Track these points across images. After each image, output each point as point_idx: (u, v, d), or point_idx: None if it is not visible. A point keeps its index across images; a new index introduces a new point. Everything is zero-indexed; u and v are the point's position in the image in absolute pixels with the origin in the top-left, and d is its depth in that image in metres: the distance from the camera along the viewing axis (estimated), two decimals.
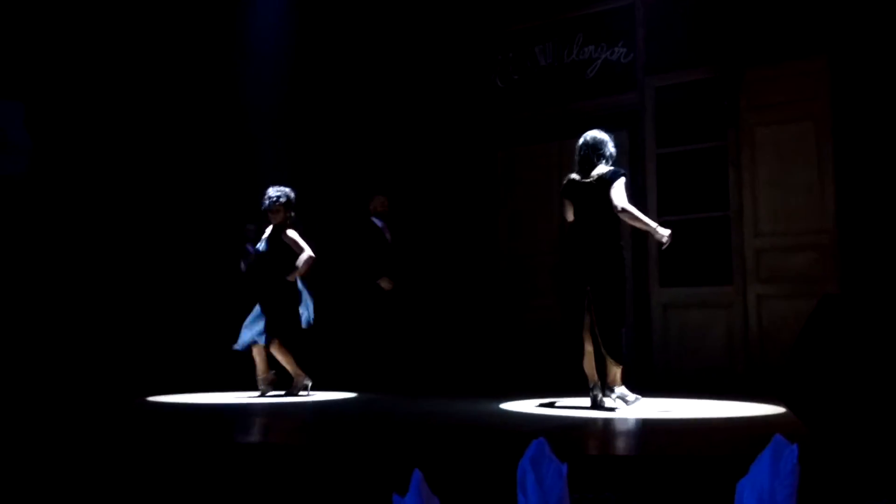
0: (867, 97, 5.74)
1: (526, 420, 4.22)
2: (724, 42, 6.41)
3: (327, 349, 6.95)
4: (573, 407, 4.72)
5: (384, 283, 6.89)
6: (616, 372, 4.51)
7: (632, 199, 4.58)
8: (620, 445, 3.53)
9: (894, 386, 2.87)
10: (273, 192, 5.92)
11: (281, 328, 5.80)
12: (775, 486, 0.92)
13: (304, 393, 5.81)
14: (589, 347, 4.63)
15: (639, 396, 4.53)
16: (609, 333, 4.51)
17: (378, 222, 7.03)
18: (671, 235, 4.46)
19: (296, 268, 5.80)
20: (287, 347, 5.82)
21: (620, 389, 4.51)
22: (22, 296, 7.06)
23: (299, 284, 5.90)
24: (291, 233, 5.87)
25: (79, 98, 7.61)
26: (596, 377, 4.64)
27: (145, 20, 7.86)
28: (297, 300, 5.89)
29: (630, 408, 4.43)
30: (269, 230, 5.97)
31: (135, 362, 7.21)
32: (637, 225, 4.55)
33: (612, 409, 4.44)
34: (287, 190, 5.96)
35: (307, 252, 5.83)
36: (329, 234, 6.94)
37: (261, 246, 6.00)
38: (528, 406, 4.83)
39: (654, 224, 4.52)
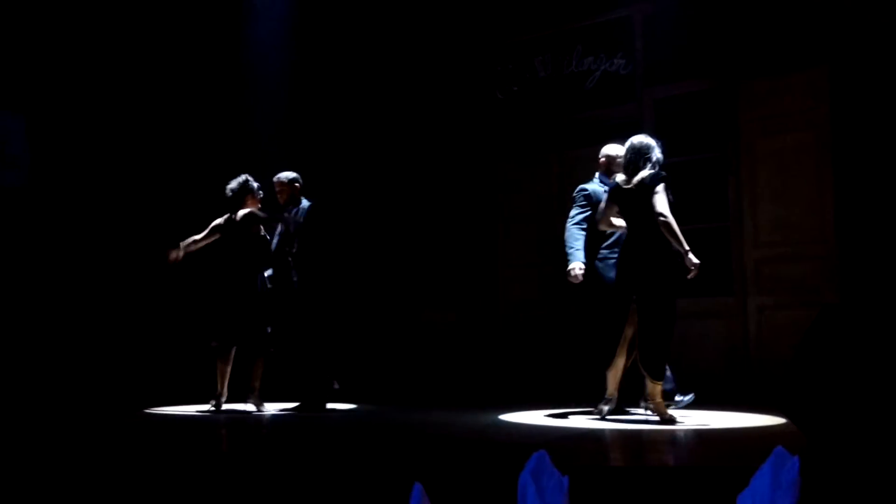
0: (866, 108, 5.75)
1: (526, 432, 4.21)
2: (723, 53, 6.43)
3: (325, 360, 6.92)
4: (580, 413, 4.71)
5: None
6: (654, 387, 4.36)
7: None
8: (621, 457, 3.52)
9: (894, 397, 2.86)
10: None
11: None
12: (776, 498, 0.92)
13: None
14: (620, 361, 4.49)
15: (674, 415, 4.40)
16: (652, 348, 4.33)
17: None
18: (699, 267, 4.33)
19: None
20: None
21: (658, 406, 4.37)
22: (21, 306, 7.05)
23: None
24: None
25: (80, 108, 7.62)
26: (615, 392, 4.53)
27: (147, 27, 7.88)
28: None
29: (665, 424, 4.30)
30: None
31: (134, 372, 7.19)
32: (672, 240, 4.33)
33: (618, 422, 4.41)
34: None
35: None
36: (328, 240, 6.91)
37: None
38: (528, 417, 4.82)
39: (687, 246, 4.33)
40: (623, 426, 4.36)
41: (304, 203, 5.99)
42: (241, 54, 7.99)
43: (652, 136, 4.84)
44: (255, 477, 2.93)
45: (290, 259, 5.82)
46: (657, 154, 4.54)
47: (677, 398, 4.79)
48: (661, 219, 4.32)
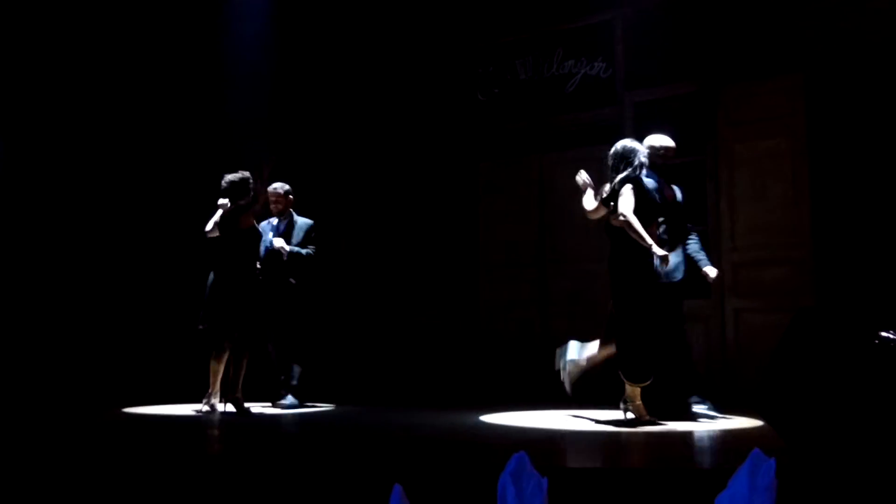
0: (841, 114, 5.83)
1: (506, 433, 4.22)
2: (703, 58, 6.49)
3: (307, 359, 6.90)
4: (586, 418, 4.72)
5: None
6: (632, 390, 4.40)
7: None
8: (600, 459, 3.53)
9: (870, 399, 2.90)
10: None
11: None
12: (754, 499, 0.93)
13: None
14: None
15: (653, 419, 4.41)
16: (623, 350, 4.40)
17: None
18: (666, 259, 4.37)
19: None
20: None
21: (637, 409, 4.41)
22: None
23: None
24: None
25: (54, 101, 7.54)
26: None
27: (125, 23, 7.81)
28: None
29: (635, 426, 4.35)
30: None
31: (111, 372, 7.12)
32: (633, 236, 4.38)
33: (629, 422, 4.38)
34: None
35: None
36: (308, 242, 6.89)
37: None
38: (508, 419, 4.83)
39: (650, 240, 4.38)
40: (603, 428, 4.38)
41: (295, 216, 6.13)
42: (222, 54, 7.95)
43: (632, 139, 4.87)
44: (234, 478, 2.91)
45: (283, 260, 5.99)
46: (641, 158, 4.57)
47: (699, 408, 4.79)
48: (621, 218, 4.41)
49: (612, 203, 4.53)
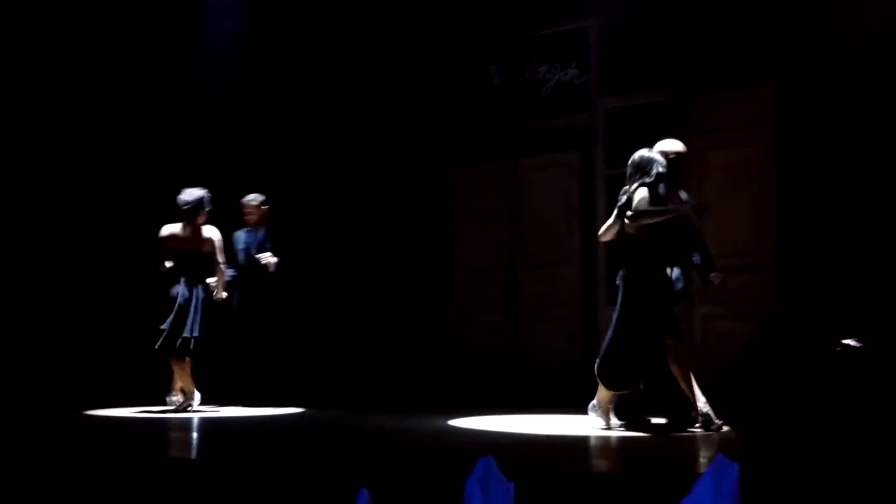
0: (809, 125, 5.93)
1: (474, 437, 4.22)
2: (676, 67, 6.56)
3: (274, 363, 6.85)
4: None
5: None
6: (604, 394, 4.43)
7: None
8: (567, 463, 3.55)
9: (832, 405, 2.94)
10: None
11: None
12: None
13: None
14: (674, 370, 4.47)
15: (613, 424, 4.43)
16: (609, 355, 4.41)
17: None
18: (699, 208, 4.44)
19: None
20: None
21: (601, 412, 4.43)
22: None
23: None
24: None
25: (27, 103, 7.42)
26: (692, 399, 4.45)
27: (99, 19, 7.71)
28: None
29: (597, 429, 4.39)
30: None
31: (72, 374, 7.00)
32: (654, 219, 4.34)
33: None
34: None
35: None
36: (279, 245, 6.85)
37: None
38: (477, 423, 4.83)
39: (673, 207, 4.39)
40: (570, 432, 4.40)
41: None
42: (197, 55, 7.87)
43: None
44: (201, 481, 2.88)
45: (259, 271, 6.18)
46: (659, 168, 4.49)
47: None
48: (630, 215, 4.37)
49: (627, 212, 4.46)
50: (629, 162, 4.61)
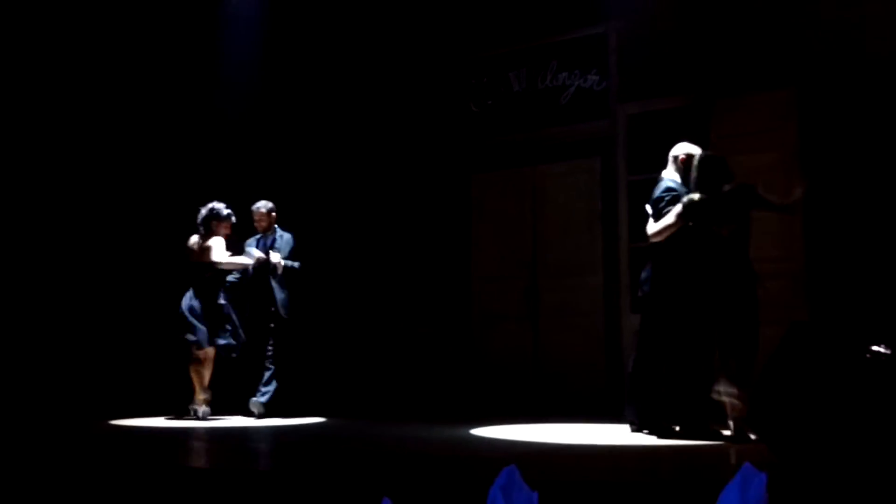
0: (833, 128, 5.86)
1: (496, 446, 4.20)
2: (696, 71, 6.51)
3: (297, 372, 6.87)
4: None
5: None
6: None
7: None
8: (592, 472, 3.51)
9: (862, 414, 2.89)
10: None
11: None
12: None
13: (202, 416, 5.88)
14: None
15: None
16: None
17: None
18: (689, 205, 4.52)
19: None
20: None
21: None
22: None
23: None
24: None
25: (43, 104, 7.51)
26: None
27: (117, 24, 7.80)
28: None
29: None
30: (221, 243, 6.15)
31: (94, 384, 7.06)
32: (664, 234, 4.56)
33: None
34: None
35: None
36: (301, 252, 6.88)
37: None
38: (499, 432, 4.81)
39: (677, 209, 4.53)
40: (595, 441, 4.36)
41: (279, 232, 6.25)
42: (214, 63, 7.94)
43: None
44: (224, 491, 2.88)
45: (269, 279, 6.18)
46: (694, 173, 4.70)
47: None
48: (651, 238, 4.60)
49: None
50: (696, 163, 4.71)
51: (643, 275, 4.82)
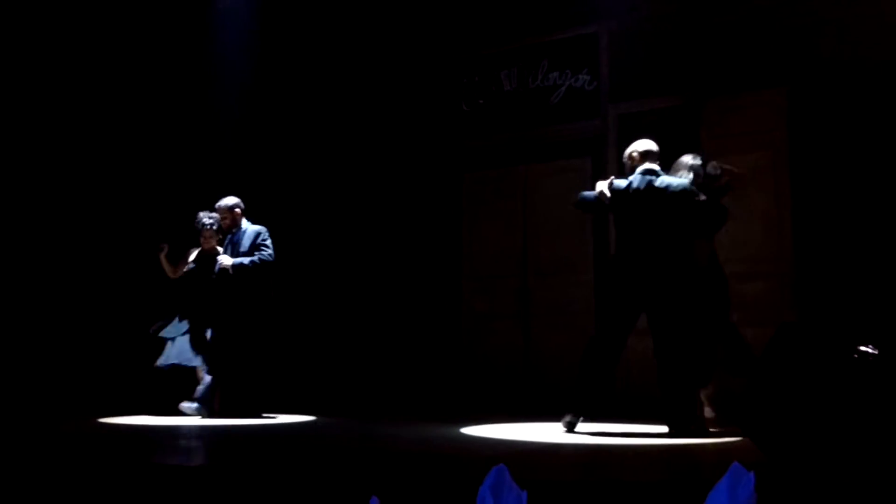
0: (823, 129, 5.89)
1: (486, 445, 4.20)
2: (686, 71, 6.54)
3: (284, 370, 6.86)
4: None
5: None
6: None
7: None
8: (581, 471, 3.52)
9: (850, 413, 2.91)
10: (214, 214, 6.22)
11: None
12: None
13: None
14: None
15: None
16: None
17: None
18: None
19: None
20: None
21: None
22: None
23: None
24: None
25: (37, 110, 7.48)
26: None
27: (109, 24, 7.77)
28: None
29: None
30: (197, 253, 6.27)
31: (86, 381, 7.04)
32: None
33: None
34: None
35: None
36: (289, 253, 6.87)
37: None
38: (489, 431, 4.81)
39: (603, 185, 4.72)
40: (584, 440, 4.37)
41: (245, 226, 6.13)
42: (205, 60, 7.92)
43: (616, 151, 4.93)
44: (213, 490, 2.87)
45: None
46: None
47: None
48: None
49: None
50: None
51: None
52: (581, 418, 4.58)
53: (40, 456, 3.57)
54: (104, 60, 7.77)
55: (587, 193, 4.89)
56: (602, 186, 4.72)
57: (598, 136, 6.92)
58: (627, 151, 4.89)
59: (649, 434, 4.59)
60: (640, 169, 4.73)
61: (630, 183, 4.68)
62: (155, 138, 7.96)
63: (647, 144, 4.84)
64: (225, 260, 6.00)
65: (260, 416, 5.79)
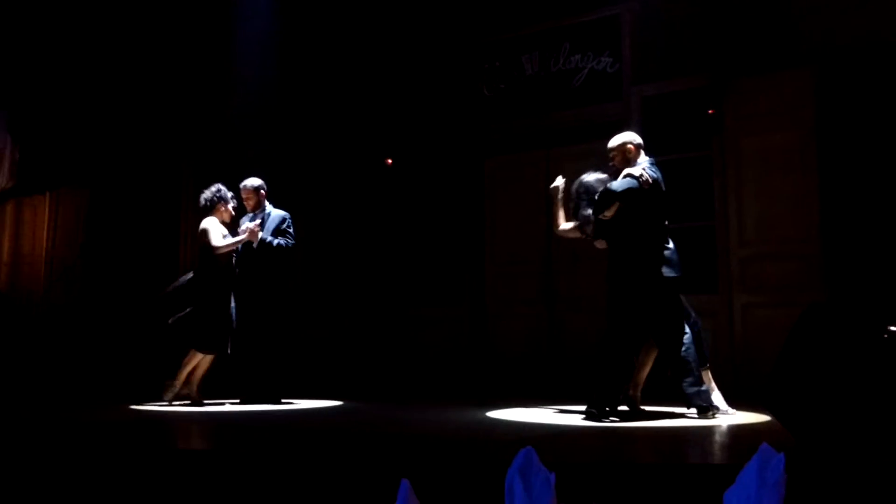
0: (850, 108, 5.80)
1: (513, 428, 4.21)
2: (710, 52, 6.46)
3: (311, 356, 6.92)
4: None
5: None
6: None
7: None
8: (608, 454, 3.52)
9: (878, 394, 2.88)
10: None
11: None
12: (762, 495, 0.92)
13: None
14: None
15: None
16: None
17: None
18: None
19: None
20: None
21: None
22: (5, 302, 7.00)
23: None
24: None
25: (64, 107, 7.57)
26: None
27: (131, 23, 7.83)
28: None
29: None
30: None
31: (118, 368, 7.15)
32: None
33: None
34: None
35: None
36: (316, 240, 6.92)
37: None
38: (515, 414, 4.82)
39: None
40: (611, 423, 4.37)
41: (269, 209, 6.10)
42: (227, 52, 7.96)
43: (639, 133, 4.87)
44: (240, 475, 2.91)
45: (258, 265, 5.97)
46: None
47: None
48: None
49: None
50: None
51: None
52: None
53: (69, 441, 3.64)
54: (124, 57, 7.84)
55: (620, 184, 4.62)
56: (635, 173, 4.58)
57: (621, 119, 6.85)
58: (620, 142, 4.79)
59: (672, 415, 4.58)
60: (647, 160, 4.69)
61: (656, 176, 4.63)
62: (178, 120, 8.01)
63: (637, 136, 4.83)
64: (252, 227, 5.91)
65: (280, 402, 5.82)
